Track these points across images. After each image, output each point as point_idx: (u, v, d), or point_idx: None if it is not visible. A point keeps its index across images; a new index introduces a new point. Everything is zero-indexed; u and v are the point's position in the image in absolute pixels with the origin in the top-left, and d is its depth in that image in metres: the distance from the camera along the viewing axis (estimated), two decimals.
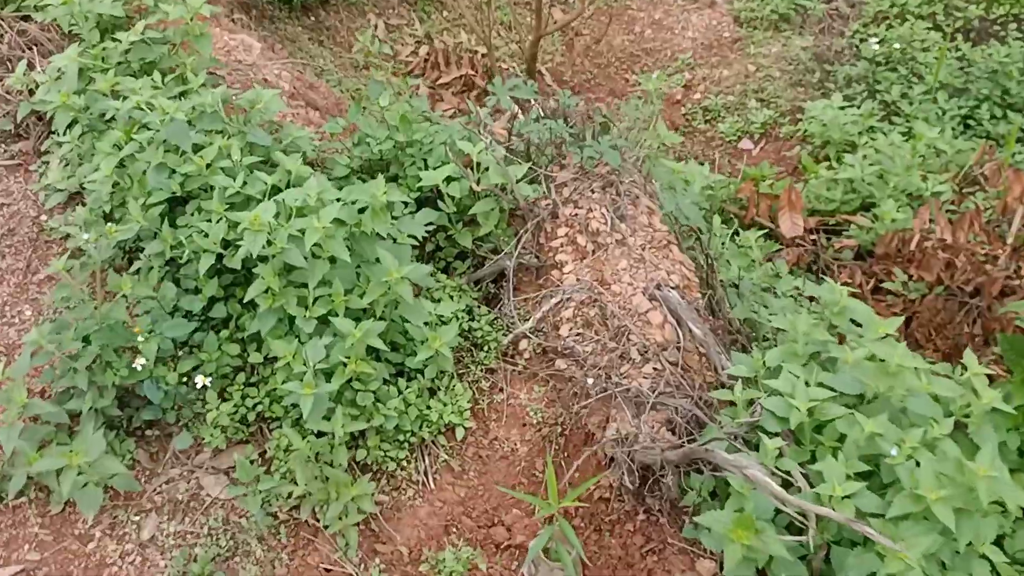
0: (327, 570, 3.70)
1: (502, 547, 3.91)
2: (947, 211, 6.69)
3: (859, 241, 6.60)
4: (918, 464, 3.28)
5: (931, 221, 6.30)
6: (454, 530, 3.92)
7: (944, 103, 7.81)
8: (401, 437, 4.04)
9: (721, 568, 3.68)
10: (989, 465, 3.23)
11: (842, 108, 7.64)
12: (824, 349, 3.92)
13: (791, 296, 4.90)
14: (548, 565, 3.70)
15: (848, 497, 3.18)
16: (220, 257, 4.12)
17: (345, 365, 3.82)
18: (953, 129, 7.62)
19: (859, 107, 7.89)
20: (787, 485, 3.43)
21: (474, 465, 4.12)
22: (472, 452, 4.15)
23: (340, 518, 3.72)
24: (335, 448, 3.78)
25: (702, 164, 7.30)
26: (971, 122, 7.84)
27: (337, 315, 3.94)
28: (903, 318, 4.02)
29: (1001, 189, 6.95)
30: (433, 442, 4.13)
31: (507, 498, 4.05)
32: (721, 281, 4.65)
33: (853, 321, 4.17)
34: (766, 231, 6.47)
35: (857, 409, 3.68)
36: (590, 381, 3.95)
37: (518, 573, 3.84)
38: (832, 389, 3.63)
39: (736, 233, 6.09)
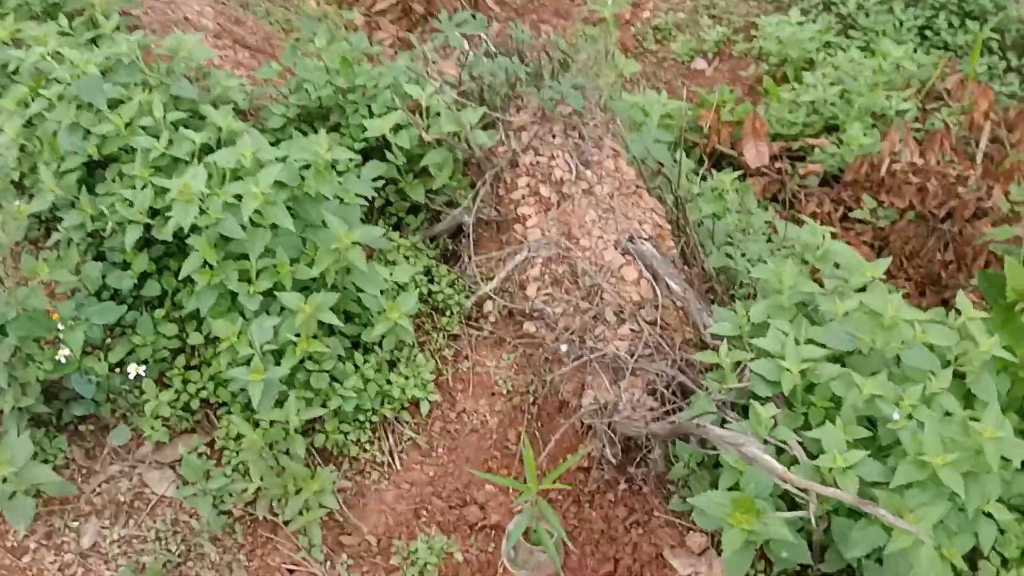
0: (290, 570, 3.42)
1: (476, 528, 3.66)
2: (912, 130, 6.46)
3: (824, 166, 6.37)
4: (920, 426, 3.09)
5: (900, 142, 6.08)
6: (424, 513, 3.66)
7: (901, 14, 7.53)
8: (361, 417, 3.74)
9: (713, 543, 3.49)
10: (995, 424, 3.05)
11: (800, 24, 7.32)
12: (810, 300, 3.69)
13: (766, 236, 4.65)
14: (528, 548, 3.47)
15: (850, 468, 2.97)
16: (148, 227, 3.72)
17: (296, 344, 3.49)
18: (912, 41, 7.36)
19: (815, 21, 7.58)
20: (781, 453, 3.22)
21: (442, 441, 3.85)
22: (439, 427, 3.87)
23: (301, 513, 3.42)
24: (290, 437, 3.46)
25: (658, 91, 6.96)
26: (928, 32, 7.58)
27: (283, 288, 3.59)
28: (888, 260, 3.79)
29: (966, 104, 6.75)
30: (396, 419, 3.84)
31: (480, 473, 3.80)
32: (696, 222, 4.37)
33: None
34: (731, 163, 6.21)
35: (847, 363, 3.47)
36: (564, 348, 3.67)
37: (496, 556, 3.60)
38: (823, 345, 3.40)
39: (701, 164, 5.80)
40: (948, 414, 3.23)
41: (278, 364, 3.47)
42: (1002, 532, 3.26)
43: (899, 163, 5.98)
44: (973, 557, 3.22)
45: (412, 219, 4.44)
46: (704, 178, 4.88)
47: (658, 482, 3.64)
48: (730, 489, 3.09)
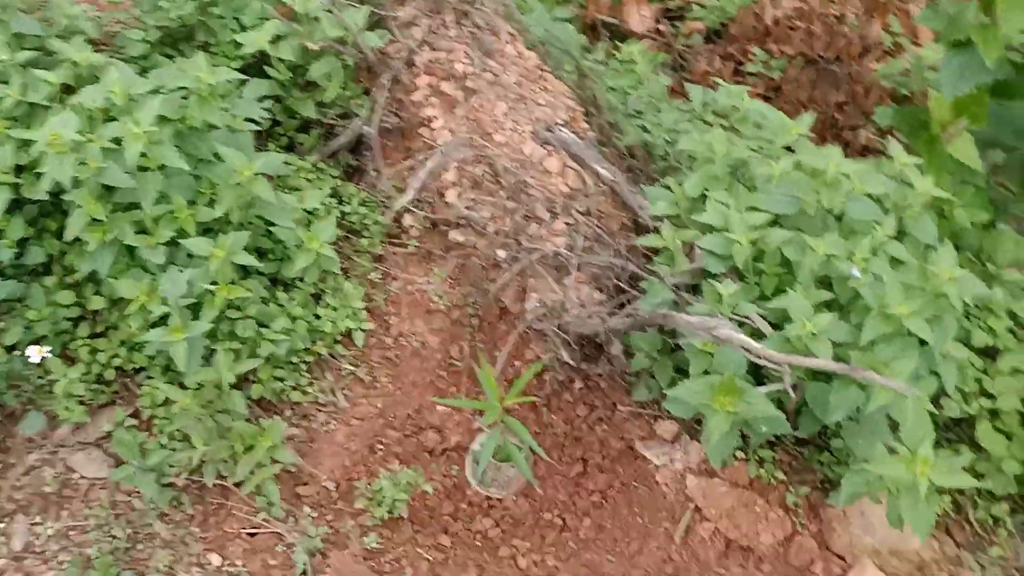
0: (251, 535, 3.20)
1: (437, 453, 3.51)
2: None
3: (706, 23, 6.25)
4: (879, 279, 3.05)
5: None
6: (380, 448, 3.48)
7: None
8: (295, 359, 3.48)
9: (684, 427, 3.43)
10: (952, 265, 3.04)
11: None
12: (742, 166, 3.59)
13: (677, 107, 4.50)
14: (495, 465, 3.34)
15: (820, 333, 2.92)
16: (17, 187, 3.30)
17: (213, 293, 3.19)
18: None
19: None
20: (742, 327, 3.15)
21: (384, 370, 3.64)
22: (379, 356, 3.66)
23: (252, 473, 3.19)
24: (225, 394, 3.20)
25: None
26: None
27: (187, 235, 3.27)
28: (814, 116, 3.71)
29: None
30: (332, 355, 3.60)
31: (429, 397, 3.62)
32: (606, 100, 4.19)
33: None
34: (612, 31, 6.01)
35: (790, 226, 3.40)
36: (501, 253, 3.48)
37: (461, 478, 3.47)
38: (766, 211, 3.32)
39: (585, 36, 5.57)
40: (899, 262, 3.21)
41: (197, 318, 3.18)
42: (960, 369, 3.31)
43: (781, 10, 5.92)
44: (935, 396, 3.27)
45: (305, 137, 4.10)
46: (609, 54, 4.67)
47: (617, 376, 3.54)
48: (702, 374, 3.02)
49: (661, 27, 6.20)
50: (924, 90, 5.16)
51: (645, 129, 4.12)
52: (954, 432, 3.52)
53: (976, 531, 3.30)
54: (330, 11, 3.81)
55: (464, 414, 3.60)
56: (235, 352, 3.28)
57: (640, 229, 3.71)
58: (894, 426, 3.04)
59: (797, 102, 5.71)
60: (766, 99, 5.74)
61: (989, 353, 3.64)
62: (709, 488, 3.18)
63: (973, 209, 3.91)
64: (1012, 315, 3.60)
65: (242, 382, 3.36)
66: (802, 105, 5.71)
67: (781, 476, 3.23)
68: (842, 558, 3.09)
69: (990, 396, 3.39)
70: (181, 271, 3.18)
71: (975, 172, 3.93)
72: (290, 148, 4.13)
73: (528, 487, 3.42)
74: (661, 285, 3.21)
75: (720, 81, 4.00)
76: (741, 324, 3.08)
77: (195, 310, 3.22)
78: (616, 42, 5.53)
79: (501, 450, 3.20)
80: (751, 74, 5.84)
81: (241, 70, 3.92)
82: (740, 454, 3.32)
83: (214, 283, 3.20)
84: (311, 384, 3.50)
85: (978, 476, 3.26)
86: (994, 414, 3.38)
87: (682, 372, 3.42)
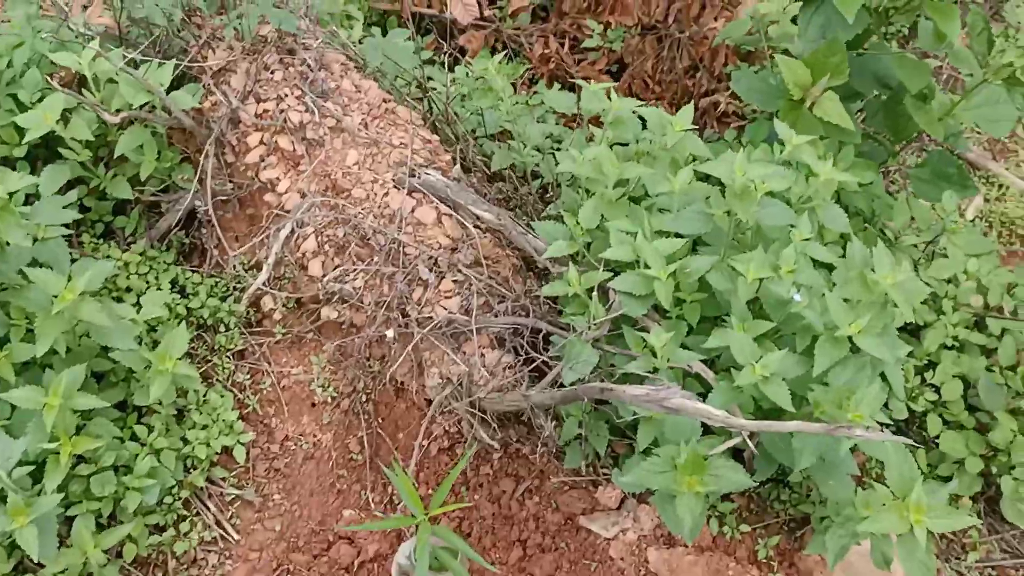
0: None
1: (355, 570, 3.10)
2: None
3: (531, 1, 5.91)
4: (817, 296, 2.83)
5: None
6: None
7: None
8: (169, 499, 2.99)
9: (633, 494, 3.13)
10: (891, 269, 2.84)
11: None
12: (636, 182, 3.29)
13: (535, 111, 4.15)
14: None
15: (767, 378, 2.67)
16: None
17: (58, 453, 2.66)
18: None
19: None
20: (687, 377, 2.88)
21: (275, 483, 3.18)
22: (265, 469, 3.20)
23: None
24: (98, 572, 2.68)
25: None
26: None
27: (7, 383, 2.71)
28: (692, 108, 3.44)
29: None
30: (211, 482, 3.12)
31: (332, 504, 3.20)
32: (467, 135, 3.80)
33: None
34: (434, 23, 5.58)
35: (701, 247, 3.14)
36: (390, 333, 3.06)
37: None
38: (677, 235, 3.03)
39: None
40: (824, 265, 3.00)
41: (43, 491, 2.64)
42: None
43: None
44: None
45: (124, 220, 3.54)
46: (447, 65, 4.26)
47: (541, 442, 3.22)
48: (652, 445, 2.72)
49: (486, 12, 5.83)
50: (770, 49, 5.03)
51: (513, 149, 3.76)
52: (902, 434, 3.39)
53: (948, 537, 3.18)
54: (127, 72, 3.25)
55: (378, 514, 3.20)
56: (96, 516, 2.77)
57: (537, 272, 3.37)
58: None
59: (644, 75, 5.47)
60: (611, 75, 5.49)
61: (908, 331, 3.53)
62: (674, 560, 2.90)
63: (857, 171, 3.76)
64: None
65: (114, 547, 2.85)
66: (649, 77, 5.48)
67: (745, 528, 2.99)
68: None
69: (933, 387, 3.27)
70: (10, 436, 2.63)
71: (849, 131, 3.79)
72: (107, 235, 3.56)
73: None
74: (580, 343, 2.88)
75: (581, 82, 3.67)
76: (685, 376, 2.82)
77: (36, 479, 2.68)
78: (442, 39, 5.16)
79: (433, 560, 2.83)
80: (590, 49, 5.56)
81: (28, 158, 3.35)
82: None
83: (54, 439, 2.67)
84: (192, 524, 3.02)
85: (943, 480, 3.13)
86: (942, 406, 3.26)
87: (617, 432, 3.14)
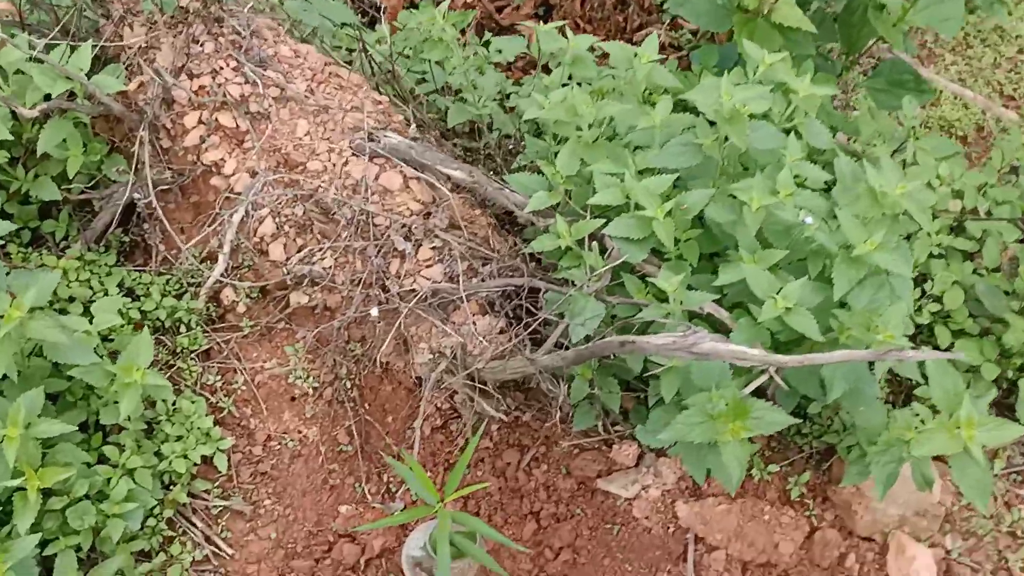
0: None
1: (361, 568, 2.90)
2: None
3: None
4: (827, 218, 2.70)
5: None
6: None
7: None
8: (152, 521, 2.74)
9: (651, 448, 2.98)
10: (898, 179, 2.72)
11: None
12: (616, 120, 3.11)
13: (477, 61, 3.93)
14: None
15: (791, 309, 2.53)
16: None
17: (24, 490, 2.39)
18: None
19: None
20: (693, 318, 2.73)
21: (264, 488, 2.95)
22: (251, 474, 2.96)
23: None
24: None
25: None
26: None
27: None
28: (655, 37, 3.26)
29: None
30: (194, 496, 2.87)
31: (327, 502, 2.98)
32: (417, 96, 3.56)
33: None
34: None
35: (691, 181, 2.98)
36: (374, 312, 2.84)
37: None
38: (665, 171, 2.87)
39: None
40: (818, 188, 2.87)
41: (12, 533, 2.37)
42: None
43: None
44: None
45: (54, 224, 3.23)
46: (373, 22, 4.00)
47: (543, 406, 3.05)
48: (678, 395, 2.57)
49: None
50: None
51: (468, 103, 3.53)
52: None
53: None
54: (39, 60, 2.93)
55: (374, 508, 3.00)
56: (75, 550, 2.51)
57: (516, 230, 3.17)
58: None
59: (574, 15, 5.28)
60: (539, 18, 5.28)
61: None
62: (705, 511, 2.77)
63: (820, 83, 3.66)
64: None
65: None
66: (579, 17, 5.29)
67: (773, 468, 2.87)
68: (871, 540, 2.80)
69: (934, 298, 3.19)
70: None
71: (806, 40, 3.67)
72: (36, 242, 3.25)
73: (483, 571, 2.90)
74: (582, 298, 2.71)
75: (530, 24, 3.47)
76: (692, 317, 2.67)
77: (4, 516, 2.41)
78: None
79: (453, 549, 2.65)
80: None
81: None
82: None
83: (18, 474, 2.40)
84: (181, 545, 2.78)
85: None
86: (946, 316, 3.19)
87: (627, 386, 2.98)
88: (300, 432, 3.03)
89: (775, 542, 2.73)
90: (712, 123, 2.84)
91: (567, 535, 2.92)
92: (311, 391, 3.05)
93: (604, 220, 2.80)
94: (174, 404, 2.91)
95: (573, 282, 2.77)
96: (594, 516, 2.93)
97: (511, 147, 3.57)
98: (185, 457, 2.83)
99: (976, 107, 4.55)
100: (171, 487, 2.82)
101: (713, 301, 2.74)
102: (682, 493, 2.85)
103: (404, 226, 2.96)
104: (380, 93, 3.47)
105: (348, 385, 3.05)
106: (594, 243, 2.78)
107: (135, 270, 3.17)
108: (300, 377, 3.05)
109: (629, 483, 2.91)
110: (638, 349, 2.38)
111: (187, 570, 2.75)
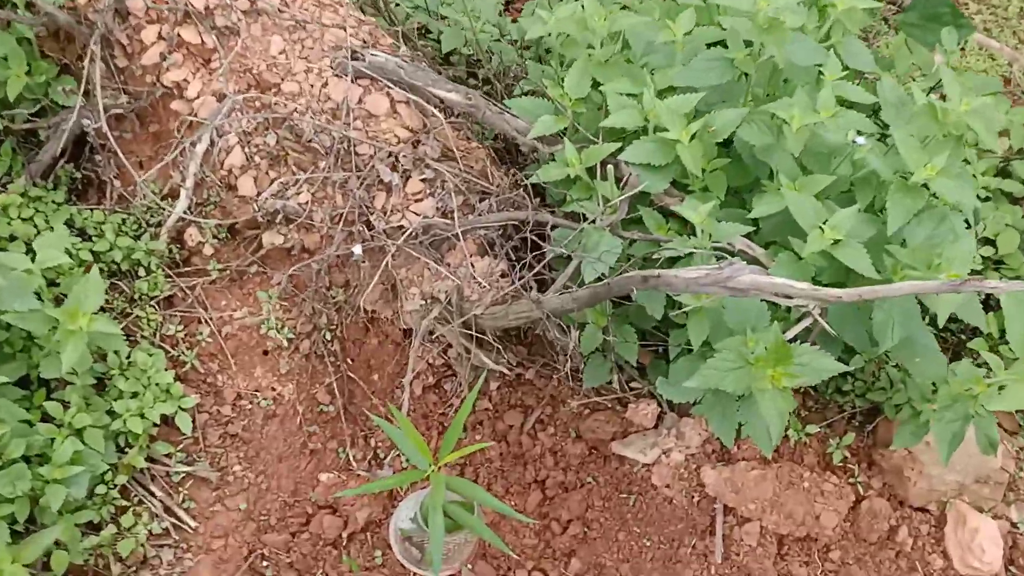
0: None
1: (343, 543, 2.57)
2: None
3: None
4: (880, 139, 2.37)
5: None
6: (266, 565, 2.50)
7: None
8: (103, 488, 2.41)
9: (671, 407, 2.65)
10: (958, 92, 2.37)
11: None
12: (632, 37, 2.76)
13: None
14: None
15: (839, 242, 2.19)
16: None
17: None
18: None
19: None
20: (719, 258, 2.39)
21: (234, 453, 2.62)
22: (219, 436, 2.63)
23: None
24: None
25: None
26: None
27: None
28: None
29: None
30: (153, 461, 2.54)
31: (305, 469, 2.65)
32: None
33: None
34: None
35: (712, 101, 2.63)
36: (357, 250, 2.49)
37: (390, 560, 2.56)
38: (689, 89, 2.52)
39: None
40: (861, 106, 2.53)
41: None
42: None
43: None
44: None
45: None
46: None
47: (548, 361, 2.71)
48: (704, 345, 2.23)
49: None
50: None
51: (464, 27, 3.18)
52: None
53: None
54: None
55: (357, 475, 2.67)
56: (9, 520, 2.17)
57: (519, 163, 2.83)
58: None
59: None
60: None
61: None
62: (737, 477, 2.44)
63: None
64: None
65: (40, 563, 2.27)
66: None
67: (812, 429, 2.54)
68: (925, 510, 2.48)
69: (987, 241, 2.87)
70: None
71: None
72: None
73: (483, 546, 2.57)
74: (596, 232, 2.37)
75: None
76: (718, 259, 2.33)
77: None
78: None
79: (448, 521, 2.32)
80: None
81: None
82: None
83: None
84: (137, 516, 2.44)
85: None
86: (999, 262, 2.87)
87: (644, 338, 2.65)
88: (274, 390, 2.69)
89: (816, 513, 2.40)
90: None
91: (576, 506, 2.59)
92: (286, 343, 2.71)
93: (619, 146, 2.46)
94: (129, 357, 2.56)
95: (584, 216, 2.43)
96: (607, 484, 2.61)
97: (512, 76, 3.22)
98: (142, 416, 2.49)
99: (1003, 58, 4.25)
100: (126, 450, 2.49)
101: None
102: (708, 457, 2.52)
103: (390, 155, 2.61)
104: (364, 15, 3.12)
105: (328, 337, 2.71)
106: (608, 169, 2.43)
107: (87, 209, 2.82)
108: (274, 328, 2.70)
109: (647, 447, 2.57)
110: (663, 284, 2.04)
111: (142, 544, 2.41)
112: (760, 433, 2.09)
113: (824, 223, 2.17)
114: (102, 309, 2.59)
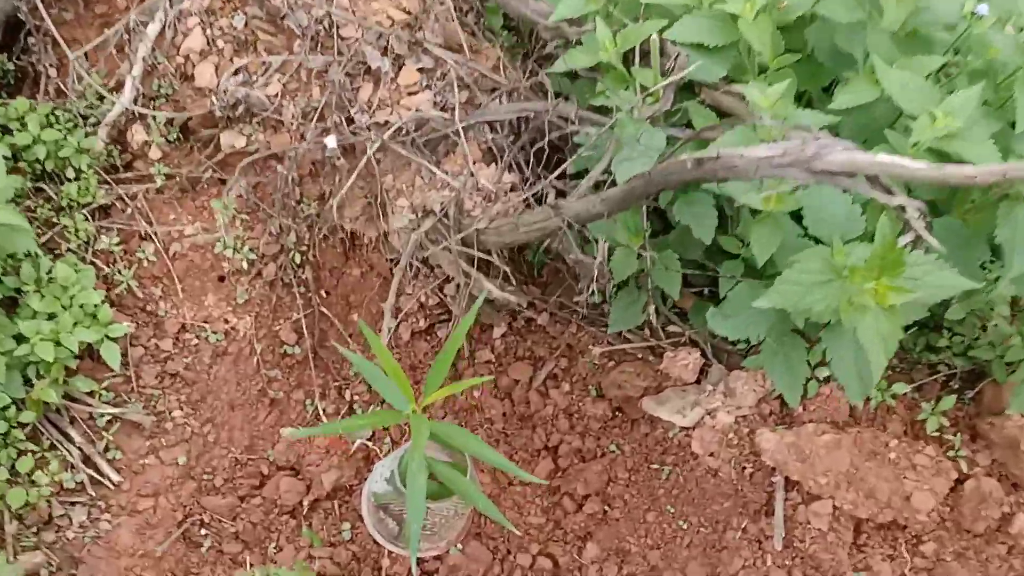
0: None
1: (303, 511, 2.08)
2: None
3: None
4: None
5: None
6: (205, 533, 2.01)
7: None
8: (2, 426, 1.93)
9: (718, 358, 2.14)
10: None
11: None
12: None
13: None
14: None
15: (952, 135, 1.69)
16: None
17: None
18: None
19: None
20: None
21: (175, 396, 2.14)
22: (156, 375, 2.15)
23: None
24: None
25: None
26: None
27: None
28: None
29: None
30: (71, 399, 2.06)
31: (264, 420, 2.17)
32: None
33: None
34: None
35: None
36: (331, 142, 2.01)
37: (363, 534, 2.07)
38: None
39: None
40: None
41: None
42: None
43: None
44: None
45: None
46: None
47: (564, 299, 2.22)
48: (768, 266, 1.74)
49: None
50: None
51: None
52: None
53: None
54: None
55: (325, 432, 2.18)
56: None
57: (540, 52, 2.35)
58: None
59: None
60: None
61: None
62: (803, 443, 1.93)
63: None
64: None
65: None
66: None
67: (901, 389, 2.03)
68: None
69: None
70: None
71: None
72: None
73: (477, 520, 2.08)
74: (632, 122, 1.88)
75: None
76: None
77: None
78: None
79: (433, 486, 1.82)
80: None
81: None
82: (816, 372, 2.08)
83: None
84: (44, 463, 1.96)
85: None
86: None
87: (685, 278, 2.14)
88: (227, 322, 2.21)
89: (906, 492, 1.88)
90: None
91: (595, 479, 2.09)
92: (246, 266, 2.23)
93: (664, 23, 1.98)
94: (50, 272, 2.09)
95: (618, 108, 1.94)
96: (634, 453, 2.10)
97: None
98: (57, 343, 2.01)
99: None
100: (35, 382, 2.01)
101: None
102: (765, 420, 2.01)
103: (380, 36, 2.13)
104: None
105: (298, 261, 2.23)
106: (651, 52, 1.94)
107: (14, 98, 2.35)
108: (231, 248, 2.22)
109: (687, 406, 2.06)
110: (723, 168, 1.54)
111: (47, 499, 1.93)
112: (849, 373, 1.59)
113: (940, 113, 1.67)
114: (20, 207, 2.12)
